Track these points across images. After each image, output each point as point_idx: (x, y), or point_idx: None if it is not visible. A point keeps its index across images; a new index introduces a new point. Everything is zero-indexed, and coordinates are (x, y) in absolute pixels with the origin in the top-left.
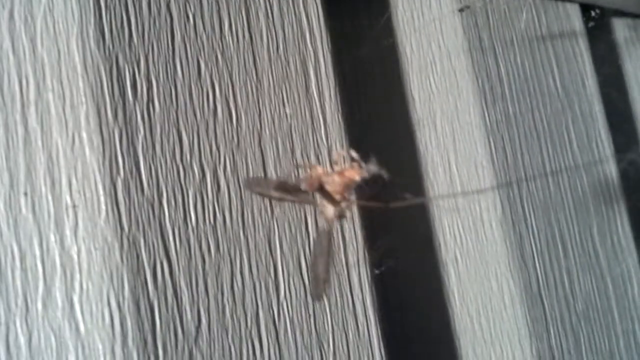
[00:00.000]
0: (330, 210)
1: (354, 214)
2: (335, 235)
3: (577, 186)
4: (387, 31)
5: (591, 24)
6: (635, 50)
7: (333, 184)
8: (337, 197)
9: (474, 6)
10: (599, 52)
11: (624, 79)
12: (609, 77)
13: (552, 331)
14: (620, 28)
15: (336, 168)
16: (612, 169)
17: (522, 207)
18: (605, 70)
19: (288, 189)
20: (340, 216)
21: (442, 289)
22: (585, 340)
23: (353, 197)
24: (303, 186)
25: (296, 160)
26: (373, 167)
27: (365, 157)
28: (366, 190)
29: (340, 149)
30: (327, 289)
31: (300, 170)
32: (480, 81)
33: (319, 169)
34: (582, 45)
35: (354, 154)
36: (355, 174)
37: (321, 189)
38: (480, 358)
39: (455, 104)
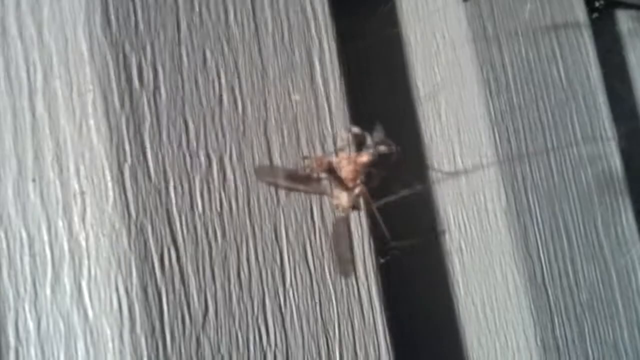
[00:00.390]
0: (344, 198)
1: (359, 205)
2: (339, 224)
3: (581, 177)
4: (392, 20)
5: (595, 15)
6: (639, 41)
7: (343, 170)
8: (350, 183)
9: None
10: (603, 43)
11: (627, 70)
12: (613, 68)
13: (556, 321)
14: (624, 19)
15: (343, 154)
16: (616, 160)
17: (527, 197)
18: (609, 61)
19: (299, 179)
20: (354, 207)
21: (447, 279)
22: (590, 330)
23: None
24: (311, 166)
25: (302, 152)
26: (381, 147)
27: (371, 130)
28: (376, 175)
29: (344, 133)
30: (354, 267)
31: (306, 161)
32: (484, 71)
33: (328, 157)
34: (586, 36)
35: (356, 129)
36: (364, 157)
37: (332, 173)
38: (485, 347)
39: (459, 94)
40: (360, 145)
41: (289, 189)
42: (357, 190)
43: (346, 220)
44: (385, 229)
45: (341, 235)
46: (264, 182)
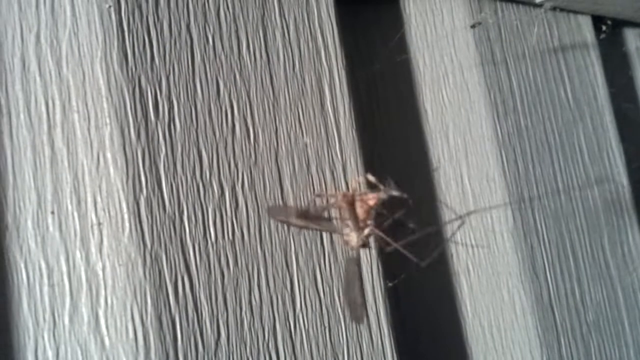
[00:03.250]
0: (354, 238)
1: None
2: (348, 249)
3: (588, 197)
4: (401, 47)
5: (602, 35)
6: None
7: (355, 210)
8: (360, 223)
9: (486, 22)
10: (610, 63)
11: (635, 89)
12: (620, 88)
13: (562, 341)
14: (632, 38)
15: (355, 195)
16: (623, 180)
17: (534, 218)
18: (617, 81)
19: (310, 217)
20: (364, 245)
21: (454, 300)
22: (596, 349)
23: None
24: (334, 199)
25: (312, 179)
26: (392, 191)
27: (382, 180)
28: (388, 216)
29: (357, 176)
30: (366, 310)
31: (320, 200)
32: (492, 94)
33: (340, 196)
34: (594, 57)
35: (371, 177)
36: (375, 199)
37: (351, 206)
38: None
39: (467, 117)
40: (372, 187)
41: (301, 227)
42: (367, 231)
43: (357, 261)
44: (410, 254)
45: (352, 278)
46: (277, 221)
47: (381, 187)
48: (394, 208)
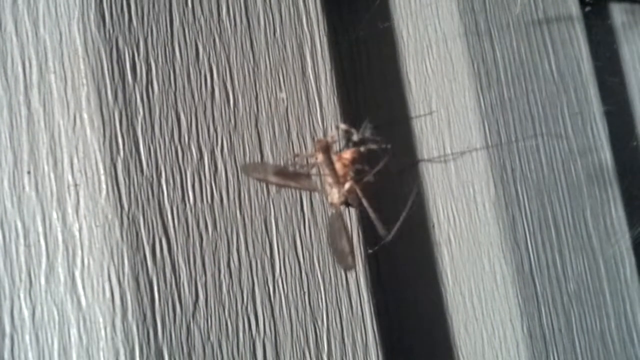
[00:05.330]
0: (335, 194)
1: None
2: (329, 215)
3: (571, 169)
4: (384, 14)
5: (588, 8)
6: (632, 35)
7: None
8: (340, 179)
9: None
10: (596, 36)
11: (620, 63)
12: (605, 62)
13: (543, 311)
14: (618, 12)
15: (331, 153)
16: (606, 153)
17: (516, 189)
18: (602, 55)
19: (288, 175)
20: (346, 203)
21: (435, 269)
22: (577, 320)
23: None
24: (315, 147)
25: (293, 145)
26: (367, 134)
27: (356, 126)
28: (368, 169)
29: (332, 131)
30: (354, 259)
31: (298, 159)
32: (475, 65)
33: (318, 154)
34: (579, 30)
35: (343, 126)
36: (351, 154)
37: (329, 159)
38: (472, 336)
39: (450, 88)
40: (349, 142)
41: (279, 186)
42: (347, 186)
43: (341, 216)
44: (379, 221)
45: (338, 230)
46: (253, 179)
47: (355, 132)
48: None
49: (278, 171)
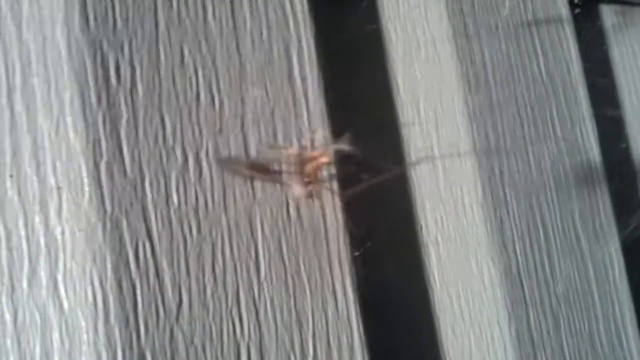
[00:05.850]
0: (298, 189)
1: (334, 196)
2: (315, 217)
3: (560, 170)
4: (372, 16)
5: (578, 10)
6: (623, 37)
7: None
8: (306, 178)
9: None
10: (585, 38)
11: (610, 65)
12: (595, 64)
13: (531, 313)
14: (608, 14)
15: (305, 151)
16: (595, 154)
17: (504, 191)
18: (592, 56)
19: (259, 168)
20: (309, 195)
21: (422, 271)
22: (565, 322)
23: (323, 179)
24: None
25: (270, 141)
26: (344, 145)
27: (338, 135)
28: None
29: (309, 132)
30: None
31: (272, 151)
32: (464, 67)
33: (291, 150)
34: (568, 32)
35: (320, 132)
36: (323, 158)
37: (300, 167)
38: (460, 338)
39: (439, 90)
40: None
41: (251, 178)
42: (310, 187)
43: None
44: (353, 227)
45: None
46: (227, 171)
47: (331, 143)
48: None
49: (250, 164)
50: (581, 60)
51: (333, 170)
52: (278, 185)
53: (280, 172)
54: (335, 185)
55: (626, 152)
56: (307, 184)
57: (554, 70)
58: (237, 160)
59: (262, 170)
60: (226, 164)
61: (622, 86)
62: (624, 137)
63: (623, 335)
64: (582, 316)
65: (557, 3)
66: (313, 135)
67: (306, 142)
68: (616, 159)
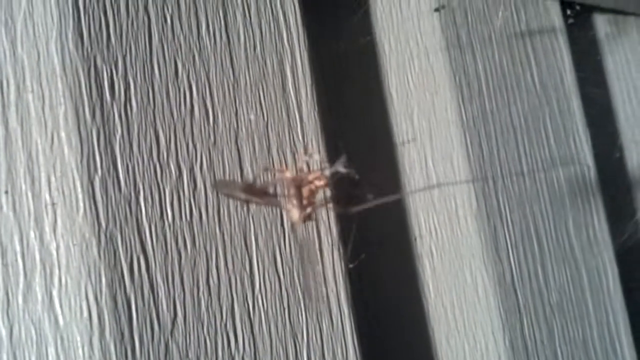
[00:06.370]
0: (296, 214)
1: (328, 209)
2: (309, 230)
3: (554, 181)
4: (365, 28)
5: (571, 20)
6: (616, 46)
7: (301, 189)
8: (304, 202)
9: (451, 4)
10: (579, 48)
11: (604, 74)
12: (589, 73)
13: (525, 322)
14: (601, 24)
15: (301, 174)
16: (589, 164)
17: (498, 201)
18: (585, 66)
19: (255, 192)
20: (306, 219)
21: (417, 282)
22: (559, 330)
23: (318, 201)
24: (279, 180)
25: (272, 163)
26: (340, 168)
27: (334, 157)
28: (333, 191)
29: (304, 155)
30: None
31: (267, 174)
32: (457, 78)
33: (287, 174)
34: (561, 41)
35: (317, 156)
36: (319, 181)
37: (297, 187)
38: (454, 349)
39: (432, 101)
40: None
41: (246, 202)
42: (309, 210)
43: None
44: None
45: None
46: (223, 195)
47: (328, 166)
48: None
49: (246, 187)
50: (575, 70)
51: (328, 192)
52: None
53: (276, 196)
54: (330, 206)
55: (620, 162)
56: (305, 207)
57: (547, 80)
58: (232, 184)
59: (257, 194)
60: (221, 187)
61: (616, 95)
62: (617, 147)
63: (617, 343)
64: (576, 325)
65: (550, 13)
66: (309, 157)
67: (301, 163)
68: (610, 168)
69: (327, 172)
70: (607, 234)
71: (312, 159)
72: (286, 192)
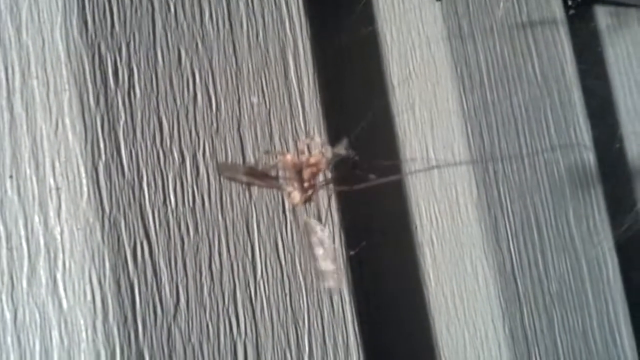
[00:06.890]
0: (297, 196)
1: (330, 196)
2: (308, 216)
3: (554, 171)
4: (368, 18)
5: (572, 11)
6: (617, 38)
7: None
8: (305, 184)
9: None
10: (580, 39)
11: (605, 66)
12: (590, 65)
13: (525, 311)
14: (602, 16)
15: (302, 157)
16: (589, 155)
17: (498, 191)
18: (586, 58)
19: (257, 175)
20: (307, 201)
21: (417, 270)
22: (559, 320)
23: (319, 182)
24: (280, 163)
25: (275, 150)
26: (341, 150)
27: (335, 139)
28: (334, 172)
29: (305, 138)
30: (341, 277)
31: (269, 157)
32: (459, 68)
33: (288, 156)
34: (562, 33)
35: (317, 138)
36: (319, 162)
37: (297, 169)
38: (454, 337)
39: (433, 91)
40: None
41: (247, 184)
42: (309, 192)
43: (310, 227)
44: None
45: (309, 248)
46: (225, 177)
47: (328, 148)
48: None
49: (248, 170)
50: (576, 61)
51: (329, 174)
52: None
53: (277, 178)
54: (331, 187)
55: (620, 153)
56: (305, 189)
57: (548, 71)
58: (234, 167)
59: (259, 176)
60: (223, 170)
61: (617, 87)
62: (617, 138)
63: (617, 333)
64: (575, 314)
65: (551, 4)
66: (310, 140)
67: (302, 146)
68: (610, 159)
69: (329, 154)
70: (607, 224)
71: (313, 141)
72: (287, 175)
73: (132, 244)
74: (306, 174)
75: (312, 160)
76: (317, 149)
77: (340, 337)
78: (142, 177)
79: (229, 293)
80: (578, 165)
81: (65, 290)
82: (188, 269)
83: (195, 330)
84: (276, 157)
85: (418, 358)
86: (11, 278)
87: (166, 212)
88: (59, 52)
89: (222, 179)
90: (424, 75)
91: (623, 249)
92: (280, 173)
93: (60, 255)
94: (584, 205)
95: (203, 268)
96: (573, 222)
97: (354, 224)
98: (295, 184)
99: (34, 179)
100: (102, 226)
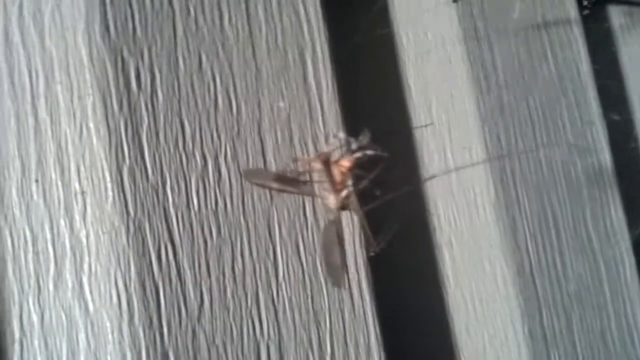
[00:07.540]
0: (332, 200)
1: (350, 197)
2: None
3: (571, 172)
4: (384, 20)
5: (586, 11)
6: (631, 38)
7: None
8: (338, 186)
9: None
10: (594, 39)
11: (619, 65)
12: (604, 65)
13: (544, 312)
14: (616, 15)
15: (330, 156)
16: (606, 155)
17: (516, 191)
18: (600, 57)
19: (287, 181)
20: (343, 207)
21: (436, 271)
22: (577, 320)
23: (350, 185)
24: (310, 161)
25: (295, 152)
26: (364, 142)
27: (356, 133)
28: (365, 175)
29: (332, 138)
30: (345, 274)
31: (297, 164)
32: (475, 70)
33: (317, 159)
34: (577, 33)
35: (341, 135)
36: (347, 162)
37: (328, 167)
38: (474, 338)
39: (450, 92)
40: (347, 149)
41: (278, 191)
42: (344, 193)
43: (336, 225)
44: (370, 234)
45: (330, 242)
46: (253, 184)
47: (353, 141)
48: (370, 168)
49: (277, 177)
50: (590, 61)
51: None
52: (315, 200)
53: (308, 184)
54: (350, 187)
55: (636, 152)
56: (339, 190)
57: (563, 71)
58: (263, 174)
59: (289, 183)
60: (250, 177)
61: (631, 87)
62: (633, 138)
63: (635, 333)
64: (594, 314)
65: (565, 5)
66: (334, 138)
67: (324, 148)
68: (626, 159)
69: (355, 148)
70: (624, 224)
71: (336, 138)
72: (319, 178)
73: (156, 246)
74: (336, 175)
75: (339, 160)
76: (342, 145)
77: (361, 338)
78: (165, 180)
79: (251, 294)
80: (594, 165)
81: (91, 293)
82: (211, 271)
83: (219, 332)
84: (302, 162)
85: (438, 358)
86: (37, 281)
87: (189, 215)
88: (82, 56)
89: (243, 182)
90: (440, 76)
91: None
92: (314, 177)
93: (86, 259)
94: (601, 205)
95: (226, 270)
96: (590, 222)
97: (373, 225)
98: (329, 187)
99: (60, 183)
100: (127, 229)
